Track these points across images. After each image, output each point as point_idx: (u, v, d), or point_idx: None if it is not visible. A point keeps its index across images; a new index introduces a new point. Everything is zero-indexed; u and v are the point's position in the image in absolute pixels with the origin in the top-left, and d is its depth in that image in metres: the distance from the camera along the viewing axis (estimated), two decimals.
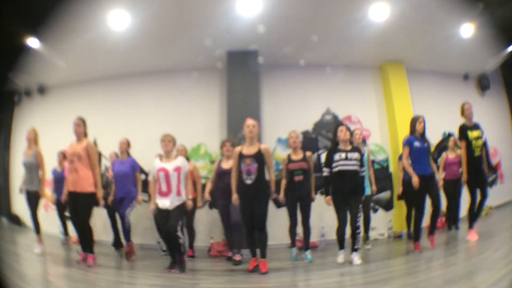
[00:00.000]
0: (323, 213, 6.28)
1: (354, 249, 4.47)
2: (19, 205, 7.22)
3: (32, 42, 5.80)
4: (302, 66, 7.25)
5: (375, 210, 7.07)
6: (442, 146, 7.29)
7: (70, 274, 4.42)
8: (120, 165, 5.65)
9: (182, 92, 7.31)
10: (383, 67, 7.54)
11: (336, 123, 7.08)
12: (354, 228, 4.49)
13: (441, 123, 7.10)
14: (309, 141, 7.16)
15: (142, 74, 7.37)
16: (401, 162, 6.13)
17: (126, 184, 5.52)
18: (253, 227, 4.40)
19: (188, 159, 6.00)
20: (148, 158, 5.92)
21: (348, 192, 4.48)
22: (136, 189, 5.57)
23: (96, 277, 4.23)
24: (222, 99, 7.12)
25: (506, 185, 7.96)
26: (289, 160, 5.01)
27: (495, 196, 7.64)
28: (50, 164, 6.18)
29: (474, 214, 5.14)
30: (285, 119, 7.08)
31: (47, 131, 6.81)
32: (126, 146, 5.72)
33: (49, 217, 6.63)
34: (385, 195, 7.09)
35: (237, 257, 5.06)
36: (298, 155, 5.01)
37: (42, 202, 5.73)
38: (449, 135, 6.82)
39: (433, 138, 6.72)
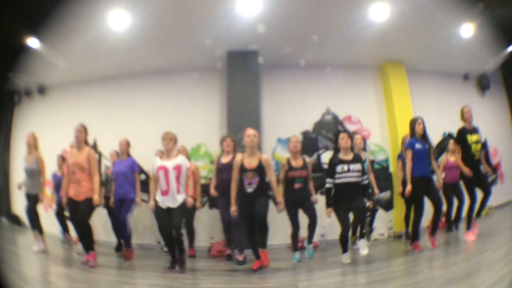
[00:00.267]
0: (323, 213, 6.27)
1: (361, 235, 4.47)
2: (19, 205, 7.21)
3: (32, 42, 5.80)
4: (302, 66, 7.25)
5: (375, 210, 7.06)
6: (442, 146, 7.29)
7: (70, 274, 4.42)
8: (120, 165, 5.66)
9: (182, 92, 7.30)
10: (383, 67, 7.54)
11: (337, 129, 7.09)
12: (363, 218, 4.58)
13: (441, 123, 7.09)
14: (309, 141, 7.16)
15: (142, 74, 7.37)
16: (400, 161, 6.17)
17: (125, 184, 5.52)
18: (254, 226, 4.40)
19: (188, 159, 5.99)
20: (148, 158, 5.92)
21: (350, 201, 4.52)
22: (135, 191, 5.56)
23: (96, 277, 4.23)
24: (222, 99, 7.11)
25: (506, 185, 7.96)
26: (290, 167, 4.94)
27: (495, 196, 7.62)
28: (50, 164, 6.17)
29: (472, 214, 5.15)
30: (285, 119, 7.08)
31: (47, 131, 6.83)
32: (126, 146, 5.72)
33: (49, 217, 6.62)
34: (385, 195, 7.08)
35: (240, 257, 5.04)
36: (298, 162, 4.96)
37: (42, 203, 5.72)
38: (449, 135, 6.82)
39: (433, 138, 6.72)
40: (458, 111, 5.36)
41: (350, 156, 4.63)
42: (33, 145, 5.56)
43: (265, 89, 7.14)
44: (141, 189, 5.66)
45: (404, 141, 6.04)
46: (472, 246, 4.81)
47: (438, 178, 5.41)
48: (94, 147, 6.97)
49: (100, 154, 7.12)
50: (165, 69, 7.27)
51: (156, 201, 4.46)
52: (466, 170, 5.17)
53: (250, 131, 4.57)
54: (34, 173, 5.48)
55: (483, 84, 8.19)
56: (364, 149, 6.01)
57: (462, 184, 5.64)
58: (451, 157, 6.28)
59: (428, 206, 4.92)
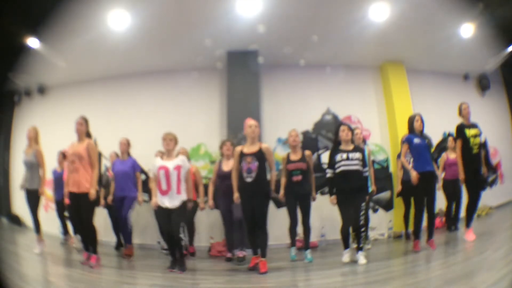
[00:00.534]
0: (323, 213, 6.28)
1: (359, 248, 4.48)
2: (19, 205, 7.22)
3: (32, 42, 5.80)
4: (302, 66, 7.26)
5: (375, 210, 7.07)
6: (442, 146, 7.29)
7: (70, 274, 4.42)
8: (120, 165, 5.66)
9: (182, 92, 7.31)
10: (383, 67, 7.54)
11: (337, 122, 7.08)
12: (358, 227, 4.52)
13: (441, 123, 7.09)
14: (309, 141, 7.16)
15: (142, 74, 7.37)
16: (399, 160, 6.15)
17: (126, 183, 5.53)
18: (254, 225, 4.41)
19: (189, 160, 6.00)
20: (148, 157, 5.92)
21: (351, 192, 4.49)
22: (136, 189, 5.57)
23: (96, 277, 4.23)
24: (222, 99, 7.11)
25: (506, 185, 7.96)
26: (288, 160, 5.02)
27: (495, 196, 7.66)
28: (50, 164, 6.17)
29: (471, 212, 5.15)
30: (285, 119, 7.08)
31: (47, 131, 6.80)
32: (126, 146, 5.72)
33: (49, 217, 6.63)
34: (385, 195, 7.09)
35: (240, 254, 5.06)
36: (297, 155, 5.01)
37: (42, 202, 5.71)
38: (449, 135, 6.82)
39: (433, 138, 6.73)
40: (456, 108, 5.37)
41: (350, 147, 4.63)
42: (33, 138, 5.49)
43: (265, 89, 7.15)
44: (142, 189, 5.67)
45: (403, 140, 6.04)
46: (472, 246, 4.80)
47: (439, 178, 5.41)
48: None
49: (100, 154, 7.12)
50: (165, 69, 7.28)
51: (157, 201, 4.46)
52: (461, 177, 5.14)
53: (251, 122, 4.56)
54: (33, 166, 5.40)
55: (483, 84, 8.20)
56: (364, 141, 5.98)
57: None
58: (451, 154, 6.28)
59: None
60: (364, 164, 4.58)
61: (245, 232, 4.70)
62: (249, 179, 4.36)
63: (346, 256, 4.62)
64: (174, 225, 4.37)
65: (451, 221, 6.45)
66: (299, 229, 5.11)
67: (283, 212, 5.24)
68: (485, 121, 5.98)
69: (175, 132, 4.63)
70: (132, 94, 7.45)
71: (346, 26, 6.00)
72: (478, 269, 3.64)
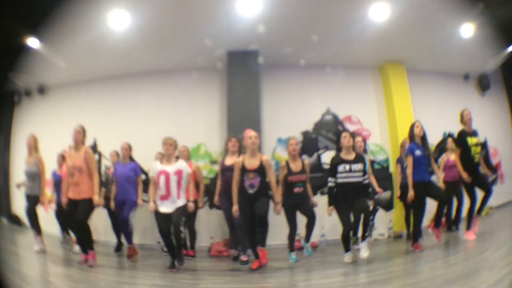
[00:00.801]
0: (323, 213, 6.27)
1: (363, 237, 4.52)
2: (19, 205, 7.21)
3: (32, 42, 5.80)
4: (302, 66, 7.25)
5: (376, 210, 7.06)
6: (442, 146, 7.28)
7: (70, 274, 4.42)
8: (122, 168, 5.64)
9: (182, 92, 7.30)
10: (383, 67, 7.54)
11: (338, 128, 7.09)
12: (367, 221, 4.60)
13: (441, 123, 7.10)
14: (309, 141, 7.16)
15: (142, 74, 7.37)
16: (399, 164, 6.19)
17: (127, 187, 5.50)
18: (254, 227, 4.40)
19: (189, 159, 5.99)
20: (148, 158, 5.93)
21: (352, 201, 4.51)
22: (137, 193, 5.55)
23: (96, 277, 4.23)
24: (222, 99, 7.11)
25: (506, 185, 7.96)
26: (289, 171, 4.90)
27: (495, 196, 7.63)
28: (50, 164, 6.17)
29: (472, 214, 5.16)
30: (285, 119, 7.08)
31: (47, 131, 6.83)
32: (128, 151, 5.71)
33: (49, 217, 6.62)
34: (385, 195, 7.08)
35: (244, 257, 5.04)
36: (297, 165, 4.93)
37: (43, 204, 5.72)
38: (449, 135, 6.82)
39: (433, 138, 6.73)
40: (458, 112, 5.38)
41: (352, 156, 4.63)
42: (33, 146, 5.56)
43: (265, 89, 7.14)
44: (142, 189, 5.66)
45: (403, 145, 6.05)
46: (472, 246, 4.81)
47: (439, 178, 5.41)
48: (94, 147, 6.98)
49: (100, 154, 7.13)
50: (165, 69, 7.27)
51: (155, 204, 4.46)
52: (465, 176, 5.20)
53: (251, 133, 4.57)
54: (35, 176, 5.50)
55: (483, 84, 8.19)
56: (365, 150, 6.00)
57: (461, 184, 5.65)
58: (451, 156, 6.28)
59: (428, 207, 4.93)
60: (364, 173, 4.62)
61: (246, 234, 4.69)
62: (251, 191, 4.45)
63: (347, 258, 4.61)
64: (175, 221, 4.37)
65: (451, 221, 6.44)
66: (299, 229, 5.09)
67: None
68: (485, 121, 5.99)
69: (175, 136, 4.64)
70: (132, 94, 7.44)
71: (346, 26, 5.99)
72: (478, 269, 3.64)
